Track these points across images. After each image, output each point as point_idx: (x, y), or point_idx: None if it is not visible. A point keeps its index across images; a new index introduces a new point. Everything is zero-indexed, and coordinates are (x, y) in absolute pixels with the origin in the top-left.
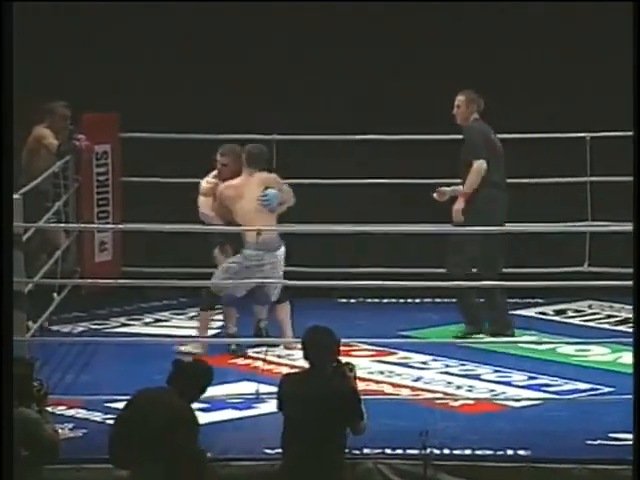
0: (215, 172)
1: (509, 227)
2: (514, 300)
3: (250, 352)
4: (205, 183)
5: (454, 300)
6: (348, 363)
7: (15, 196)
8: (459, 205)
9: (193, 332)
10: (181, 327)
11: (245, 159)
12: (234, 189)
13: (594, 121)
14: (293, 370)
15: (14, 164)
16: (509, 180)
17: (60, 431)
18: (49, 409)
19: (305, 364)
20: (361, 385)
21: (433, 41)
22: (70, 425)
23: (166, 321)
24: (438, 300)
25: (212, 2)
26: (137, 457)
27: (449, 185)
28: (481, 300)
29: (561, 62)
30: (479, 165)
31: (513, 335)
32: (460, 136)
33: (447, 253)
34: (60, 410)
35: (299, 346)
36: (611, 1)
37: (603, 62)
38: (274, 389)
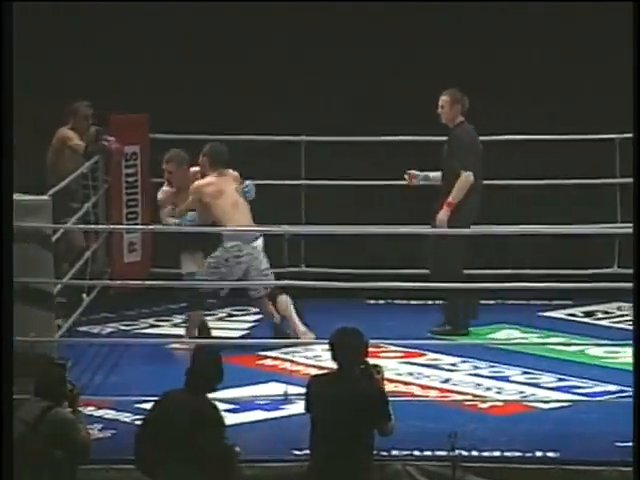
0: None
1: (539, 229)
2: (543, 302)
3: (278, 353)
4: (161, 194)
5: (483, 302)
6: (376, 365)
7: (44, 197)
8: (444, 215)
9: (221, 333)
10: (209, 328)
11: (212, 159)
12: (214, 186)
13: (594, 121)
14: (321, 371)
15: (42, 165)
16: (543, 182)
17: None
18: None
19: (333, 365)
20: (389, 386)
21: (433, 41)
22: (99, 426)
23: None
24: None
25: (212, 2)
26: (163, 459)
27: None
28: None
29: (561, 62)
30: (467, 177)
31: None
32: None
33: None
34: (89, 411)
35: (320, 346)
36: (611, 1)
37: (603, 62)
38: (302, 390)
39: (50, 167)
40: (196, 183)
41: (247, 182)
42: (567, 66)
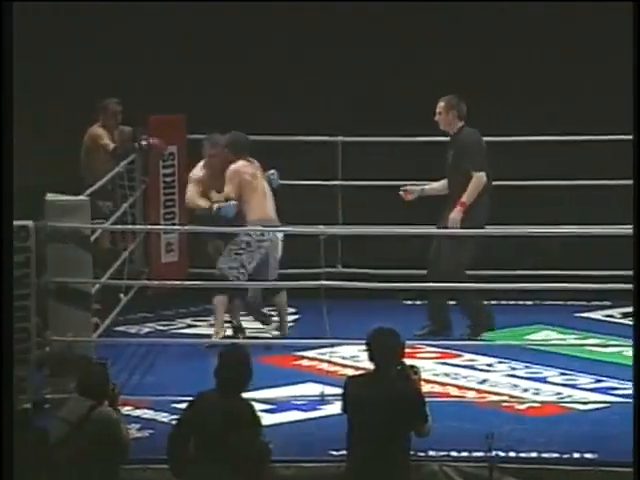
0: (201, 166)
1: (578, 230)
2: (580, 303)
3: (315, 354)
4: (198, 172)
5: (520, 302)
6: (413, 366)
7: (82, 198)
8: (457, 215)
9: (258, 333)
10: (247, 328)
11: (236, 148)
12: (250, 169)
13: (594, 121)
14: (358, 372)
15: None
16: (585, 182)
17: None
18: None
19: (370, 366)
20: (426, 387)
21: (433, 41)
22: (137, 425)
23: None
24: (503, 302)
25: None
26: (197, 460)
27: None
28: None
29: (561, 62)
30: (480, 178)
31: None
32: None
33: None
34: (127, 410)
35: (357, 346)
36: (611, 1)
37: (603, 62)
38: (339, 391)
39: (84, 166)
40: (233, 167)
41: (272, 170)
42: (567, 66)
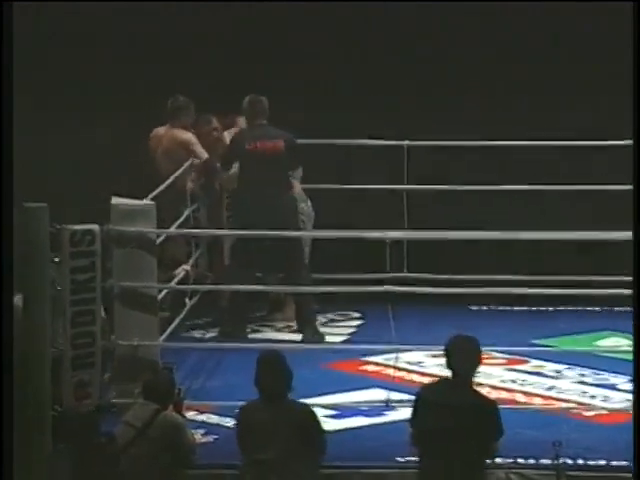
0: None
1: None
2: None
3: (380, 359)
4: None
5: (589, 308)
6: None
7: (148, 202)
8: None
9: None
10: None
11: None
12: None
13: (594, 122)
14: (432, 380)
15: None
16: None
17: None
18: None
19: (443, 373)
20: (493, 394)
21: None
22: (202, 430)
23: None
24: (571, 308)
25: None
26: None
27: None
28: None
29: (561, 62)
30: None
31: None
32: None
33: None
34: (192, 415)
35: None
36: (611, 1)
37: (603, 62)
38: (405, 397)
39: (153, 168)
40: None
41: None
42: (567, 66)
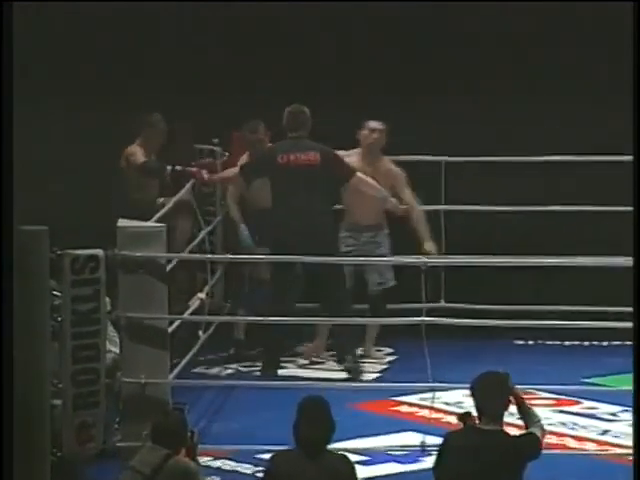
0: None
1: None
2: None
3: (415, 399)
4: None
5: None
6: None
7: (158, 225)
8: None
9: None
10: (338, 370)
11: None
12: None
13: (594, 123)
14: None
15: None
16: None
17: None
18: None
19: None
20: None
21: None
22: (218, 478)
23: (322, 363)
24: (628, 343)
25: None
26: None
27: None
28: None
29: (561, 62)
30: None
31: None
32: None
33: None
34: (206, 461)
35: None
36: (611, 1)
37: (603, 62)
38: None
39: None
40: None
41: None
42: (567, 66)
